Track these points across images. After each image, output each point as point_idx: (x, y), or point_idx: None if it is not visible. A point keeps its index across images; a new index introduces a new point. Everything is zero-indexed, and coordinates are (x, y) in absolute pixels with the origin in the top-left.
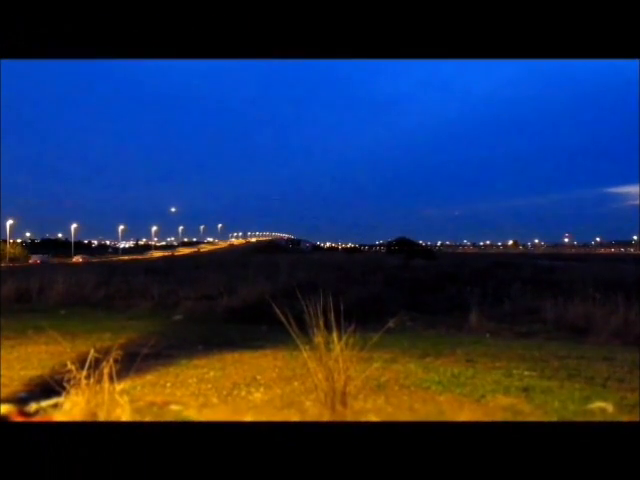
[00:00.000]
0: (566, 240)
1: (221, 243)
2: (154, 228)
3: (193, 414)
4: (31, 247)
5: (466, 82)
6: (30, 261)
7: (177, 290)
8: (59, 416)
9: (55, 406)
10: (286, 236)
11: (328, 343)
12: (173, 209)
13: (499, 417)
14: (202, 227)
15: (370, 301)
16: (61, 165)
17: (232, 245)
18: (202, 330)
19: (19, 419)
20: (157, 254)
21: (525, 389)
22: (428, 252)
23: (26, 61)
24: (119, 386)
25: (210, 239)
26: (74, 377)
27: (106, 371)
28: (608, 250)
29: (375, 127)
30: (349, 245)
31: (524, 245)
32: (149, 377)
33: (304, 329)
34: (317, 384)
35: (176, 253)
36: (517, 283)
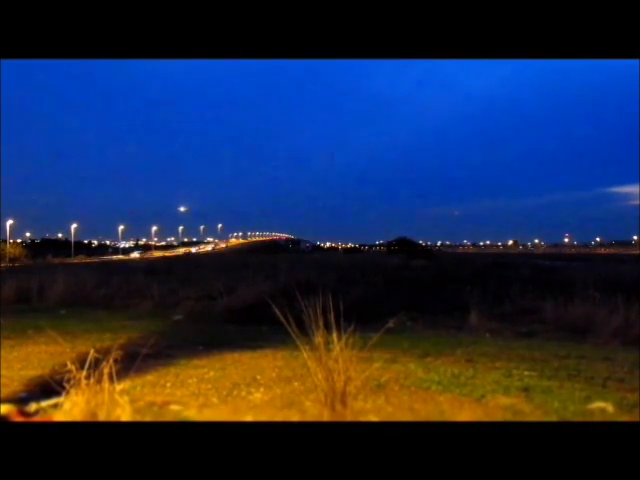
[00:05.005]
0: (566, 240)
1: (221, 243)
2: (154, 228)
3: (193, 414)
4: (31, 247)
5: (466, 81)
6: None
7: (177, 290)
8: (59, 416)
9: (55, 406)
10: (286, 236)
11: (328, 343)
12: (182, 208)
13: (499, 417)
14: (202, 227)
15: (370, 301)
16: (62, 165)
17: (229, 246)
18: (202, 330)
19: (19, 419)
20: (157, 254)
21: (525, 389)
22: (428, 252)
23: (26, 61)
24: (119, 386)
25: (210, 239)
26: (74, 377)
27: (106, 371)
28: (608, 250)
29: (375, 127)
30: (349, 245)
31: (524, 245)
32: (149, 377)
33: (304, 329)
34: (317, 384)
35: (154, 254)
36: (517, 283)
